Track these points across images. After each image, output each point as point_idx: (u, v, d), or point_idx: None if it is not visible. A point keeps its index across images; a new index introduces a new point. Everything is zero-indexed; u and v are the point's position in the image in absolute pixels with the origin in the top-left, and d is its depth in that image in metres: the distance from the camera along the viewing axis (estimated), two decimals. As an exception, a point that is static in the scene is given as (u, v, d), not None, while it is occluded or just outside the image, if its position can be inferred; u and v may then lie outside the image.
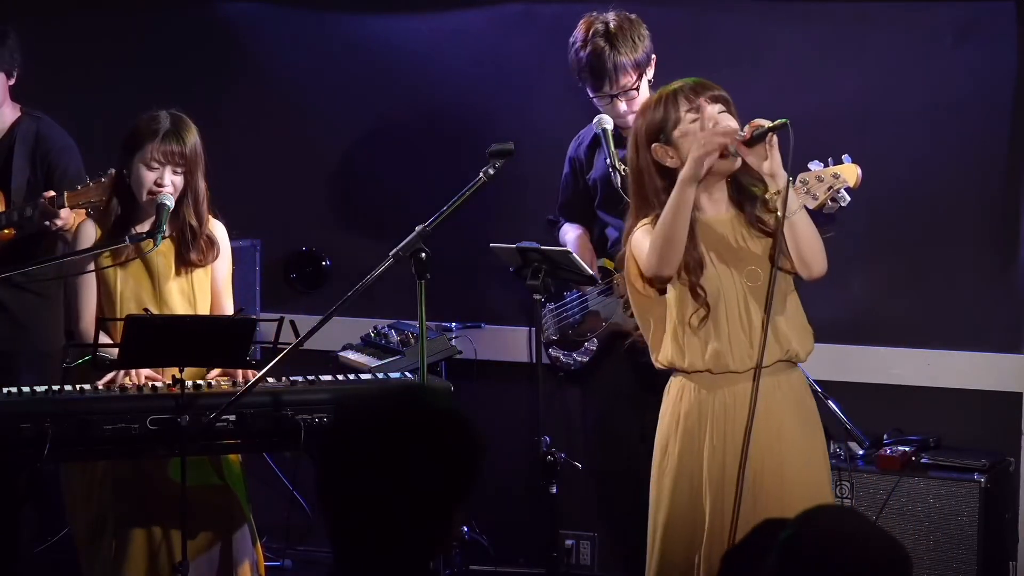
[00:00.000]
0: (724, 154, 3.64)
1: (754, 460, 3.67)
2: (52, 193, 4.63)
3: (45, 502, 5.31)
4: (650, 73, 4.66)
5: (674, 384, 3.85)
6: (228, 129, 5.41)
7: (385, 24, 5.68)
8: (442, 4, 5.62)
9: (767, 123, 3.61)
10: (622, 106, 4.61)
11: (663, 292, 3.77)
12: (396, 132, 5.69)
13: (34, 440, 3.86)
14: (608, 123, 4.61)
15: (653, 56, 4.65)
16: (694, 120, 3.68)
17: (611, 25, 4.59)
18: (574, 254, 4.42)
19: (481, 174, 4.03)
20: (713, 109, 3.69)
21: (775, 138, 3.61)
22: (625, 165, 4.40)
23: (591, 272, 4.53)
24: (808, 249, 3.66)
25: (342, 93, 5.72)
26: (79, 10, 5.90)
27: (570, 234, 4.87)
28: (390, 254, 3.94)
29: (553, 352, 4.89)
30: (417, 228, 3.96)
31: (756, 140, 3.62)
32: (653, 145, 3.72)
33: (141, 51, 5.87)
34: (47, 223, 4.66)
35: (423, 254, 3.92)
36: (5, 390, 4.00)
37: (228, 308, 4.38)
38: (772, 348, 3.70)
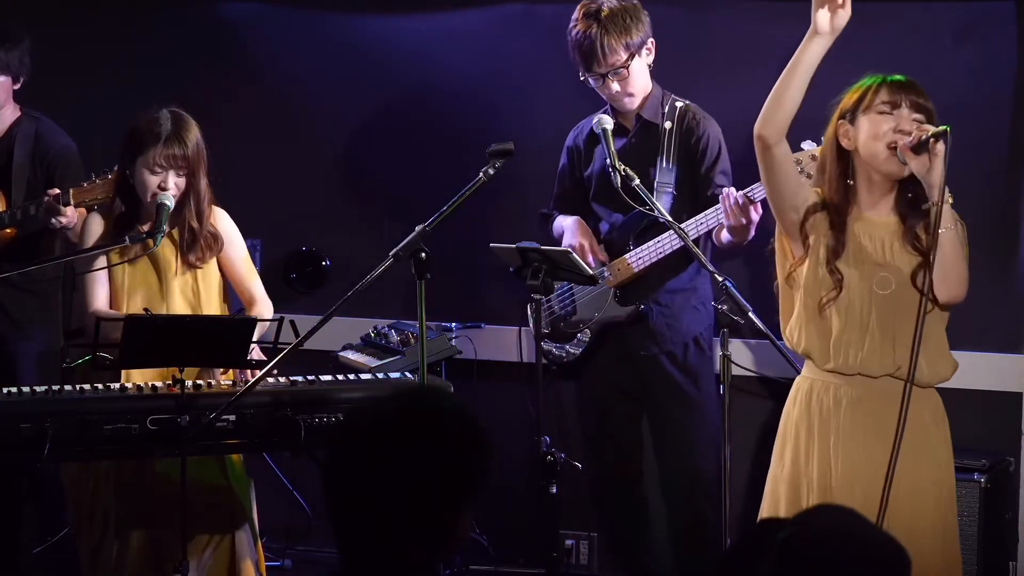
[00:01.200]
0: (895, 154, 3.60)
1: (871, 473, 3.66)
2: (57, 191, 4.65)
3: (45, 502, 5.31)
4: (647, 57, 4.71)
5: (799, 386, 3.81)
6: (228, 129, 5.40)
7: (385, 24, 5.68)
8: (442, 4, 5.62)
9: (932, 129, 3.57)
10: (614, 86, 4.66)
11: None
12: (396, 132, 5.69)
13: (34, 440, 3.86)
14: (608, 123, 4.61)
15: (651, 41, 4.69)
16: (882, 113, 3.64)
17: (604, 7, 4.66)
18: (574, 254, 4.42)
19: (481, 174, 4.03)
20: (908, 114, 3.63)
21: (939, 146, 3.55)
22: (625, 165, 4.41)
23: (591, 272, 4.53)
24: (951, 270, 3.60)
25: (342, 93, 5.72)
26: (79, 10, 5.90)
27: (567, 221, 4.86)
28: (390, 254, 3.94)
29: (545, 345, 4.90)
30: (417, 228, 3.96)
31: (921, 147, 3.56)
32: (840, 120, 3.71)
33: (141, 51, 5.87)
34: (52, 221, 4.67)
35: (423, 254, 3.92)
36: (5, 390, 4.00)
37: (258, 288, 4.41)
38: (887, 358, 3.67)
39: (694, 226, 4.56)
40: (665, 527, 4.97)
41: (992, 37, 5.03)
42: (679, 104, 4.76)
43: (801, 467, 3.75)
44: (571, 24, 4.71)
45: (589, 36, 4.62)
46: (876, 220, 3.72)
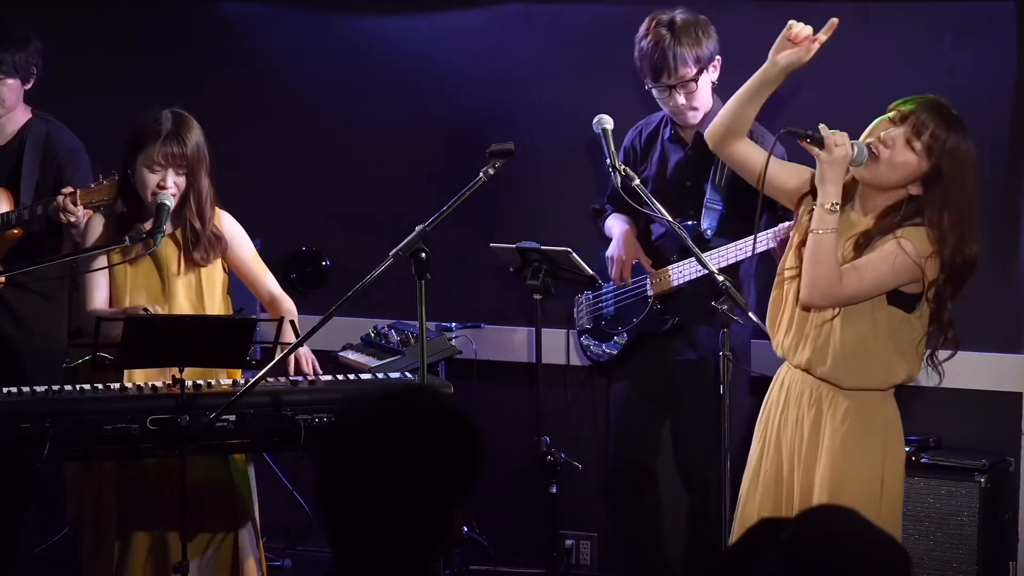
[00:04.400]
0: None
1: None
2: (71, 189, 4.66)
3: (45, 502, 5.31)
4: (714, 75, 4.67)
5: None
6: (228, 129, 5.40)
7: (385, 24, 5.68)
8: (442, 4, 5.62)
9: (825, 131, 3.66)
10: (680, 99, 4.63)
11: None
12: (396, 132, 5.69)
13: (34, 440, 3.87)
14: (608, 123, 4.60)
15: (718, 58, 4.66)
16: (890, 120, 3.66)
17: (676, 19, 4.63)
18: (574, 254, 4.42)
19: (481, 174, 4.03)
20: (896, 130, 3.64)
21: (814, 149, 3.61)
22: (625, 165, 4.41)
23: (591, 272, 4.54)
24: (808, 272, 3.62)
25: (342, 93, 5.72)
26: (79, 10, 5.90)
27: (616, 229, 4.85)
28: (390, 254, 3.94)
29: (584, 340, 4.93)
30: (417, 228, 3.96)
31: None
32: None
33: (141, 51, 5.87)
34: (62, 219, 4.68)
35: (423, 254, 3.92)
36: (5, 390, 4.01)
37: (275, 285, 4.42)
38: (803, 353, 3.73)
39: (723, 255, 4.53)
40: (676, 528, 4.95)
41: (992, 37, 5.03)
42: None
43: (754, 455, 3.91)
44: (641, 33, 4.66)
45: (661, 47, 4.58)
46: (853, 219, 3.73)
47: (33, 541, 5.42)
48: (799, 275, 3.69)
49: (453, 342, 5.14)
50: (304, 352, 4.25)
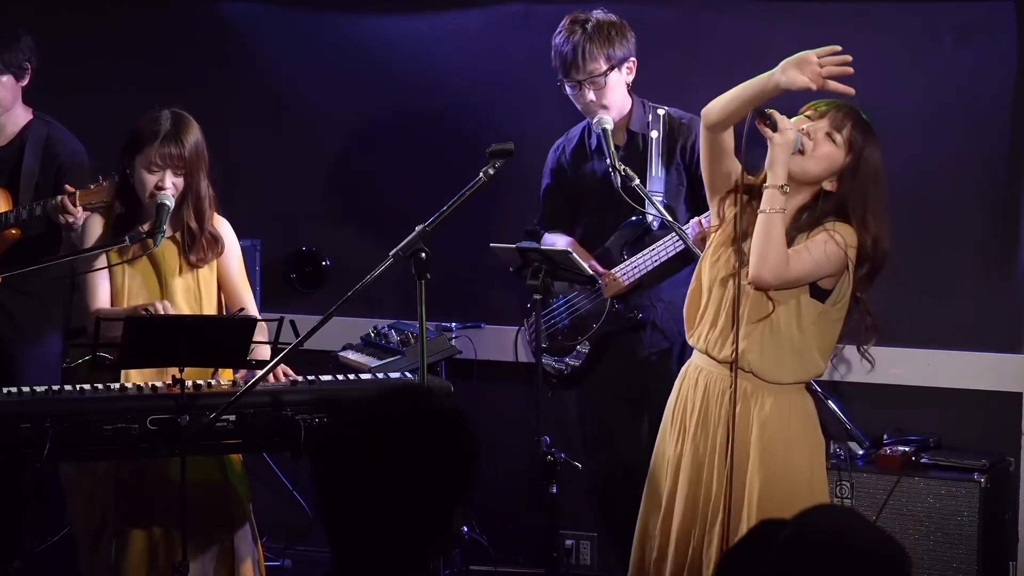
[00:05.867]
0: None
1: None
2: (72, 188, 4.66)
3: (45, 502, 5.31)
4: (627, 75, 4.73)
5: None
6: (228, 129, 5.41)
7: (385, 24, 5.68)
8: (442, 4, 5.62)
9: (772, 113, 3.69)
10: (589, 94, 4.69)
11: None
12: (396, 132, 5.69)
13: (34, 440, 3.87)
14: (608, 123, 4.62)
15: (633, 60, 4.72)
16: (808, 117, 3.73)
17: (592, 18, 4.71)
18: (574, 254, 4.42)
19: (481, 174, 4.03)
20: (817, 124, 3.70)
21: (767, 131, 3.65)
22: (625, 165, 4.41)
23: (591, 272, 4.54)
24: (757, 249, 3.64)
25: (342, 93, 5.72)
26: (79, 11, 5.90)
27: (560, 242, 4.85)
28: (390, 254, 3.93)
29: (544, 359, 4.90)
30: (417, 228, 3.95)
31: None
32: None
33: (141, 51, 5.87)
34: (61, 220, 4.68)
35: (423, 254, 3.91)
36: (5, 390, 4.00)
37: (250, 302, 4.38)
38: (730, 346, 3.75)
39: (671, 244, 4.61)
40: None
41: (992, 37, 5.03)
42: (660, 112, 4.79)
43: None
44: (557, 30, 4.75)
45: (571, 42, 4.67)
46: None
47: (33, 541, 5.42)
48: (728, 269, 3.74)
49: (453, 342, 5.14)
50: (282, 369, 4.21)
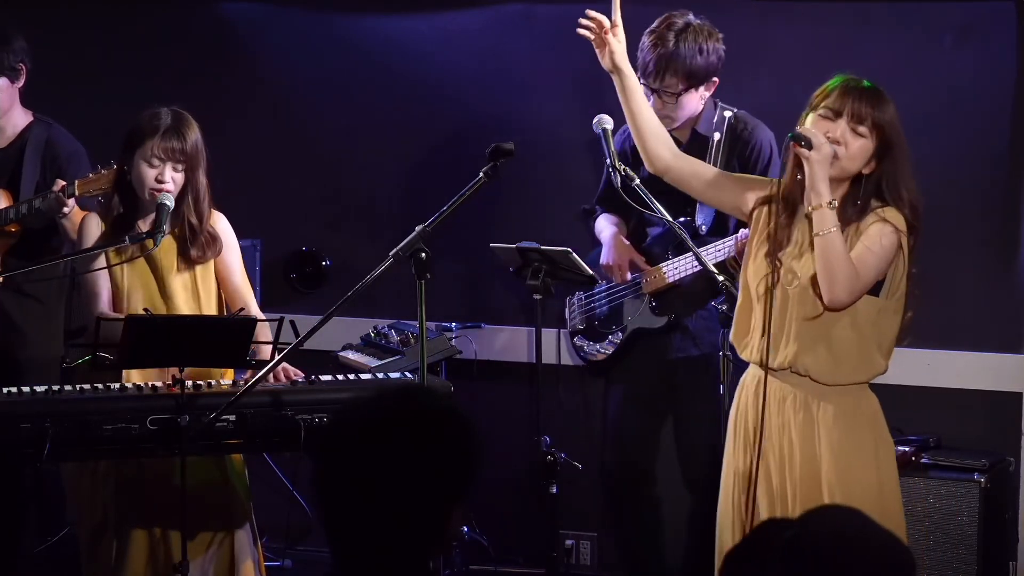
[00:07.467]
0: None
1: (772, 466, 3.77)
2: (64, 183, 4.66)
3: (45, 502, 5.31)
4: (705, 91, 4.64)
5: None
6: (228, 129, 5.41)
7: (385, 24, 5.68)
8: (442, 4, 5.62)
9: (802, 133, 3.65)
10: (658, 103, 4.58)
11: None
12: (396, 132, 5.68)
13: (34, 440, 3.87)
14: (608, 123, 4.60)
15: (715, 79, 4.63)
16: (824, 118, 3.66)
17: (688, 23, 4.59)
18: (574, 254, 4.42)
19: (481, 174, 4.03)
20: (845, 124, 3.66)
21: (804, 151, 3.60)
22: (625, 165, 4.41)
23: (591, 272, 4.54)
24: (827, 273, 3.60)
25: (342, 93, 5.72)
26: (79, 11, 5.90)
27: (606, 232, 4.84)
28: (390, 254, 3.93)
29: (578, 341, 4.92)
30: (417, 228, 3.95)
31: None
32: (804, 114, 3.74)
33: (141, 51, 5.87)
34: (60, 214, 4.69)
35: (423, 254, 3.91)
36: (5, 390, 4.00)
37: (251, 300, 4.37)
38: (785, 352, 3.72)
39: (722, 248, 4.54)
40: (676, 528, 4.95)
41: (992, 37, 5.03)
42: (727, 114, 4.71)
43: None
44: (651, 27, 4.61)
45: (658, 51, 4.55)
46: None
47: (33, 541, 5.42)
48: (768, 280, 3.71)
49: (453, 342, 5.14)
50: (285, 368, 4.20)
